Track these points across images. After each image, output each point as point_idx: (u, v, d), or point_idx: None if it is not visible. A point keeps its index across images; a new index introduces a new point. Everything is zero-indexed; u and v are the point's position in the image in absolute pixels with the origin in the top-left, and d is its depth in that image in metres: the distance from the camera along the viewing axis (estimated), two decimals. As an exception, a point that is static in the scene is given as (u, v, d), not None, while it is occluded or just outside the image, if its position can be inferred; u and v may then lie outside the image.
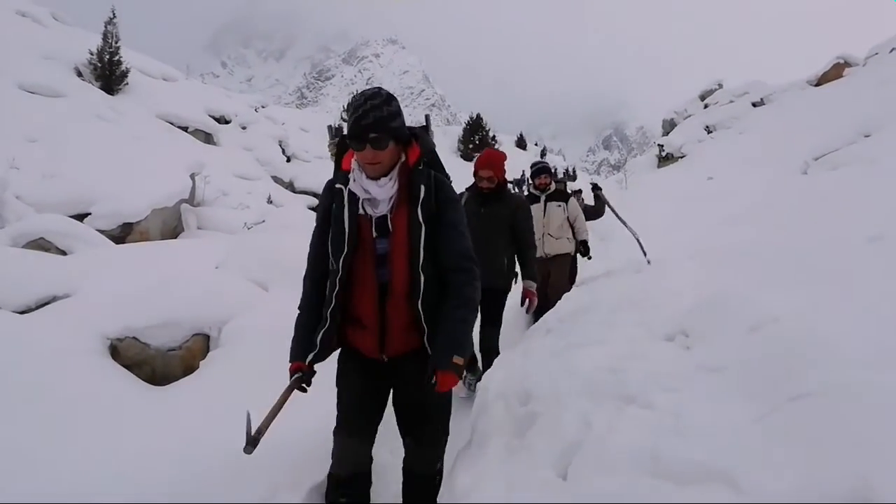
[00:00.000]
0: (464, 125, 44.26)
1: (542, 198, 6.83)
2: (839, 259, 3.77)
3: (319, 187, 17.27)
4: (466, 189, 5.01)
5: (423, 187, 2.39)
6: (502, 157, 4.98)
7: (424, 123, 2.93)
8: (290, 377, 2.47)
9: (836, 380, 2.12)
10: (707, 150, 20.88)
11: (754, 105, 23.99)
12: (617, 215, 7.96)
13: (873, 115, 10.46)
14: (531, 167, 7.17)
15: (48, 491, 2.60)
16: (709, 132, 23.97)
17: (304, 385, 2.49)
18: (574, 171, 48.21)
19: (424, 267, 2.40)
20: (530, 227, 5.06)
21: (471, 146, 39.92)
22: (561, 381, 3.08)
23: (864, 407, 1.91)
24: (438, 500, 2.72)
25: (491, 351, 4.88)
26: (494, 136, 43.27)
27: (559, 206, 6.77)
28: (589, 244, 7.13)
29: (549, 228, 6.69)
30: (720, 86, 29.22)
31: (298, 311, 2.61)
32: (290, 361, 2.52)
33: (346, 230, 2.38)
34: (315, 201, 20.03)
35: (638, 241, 7.37)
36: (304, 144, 28.98)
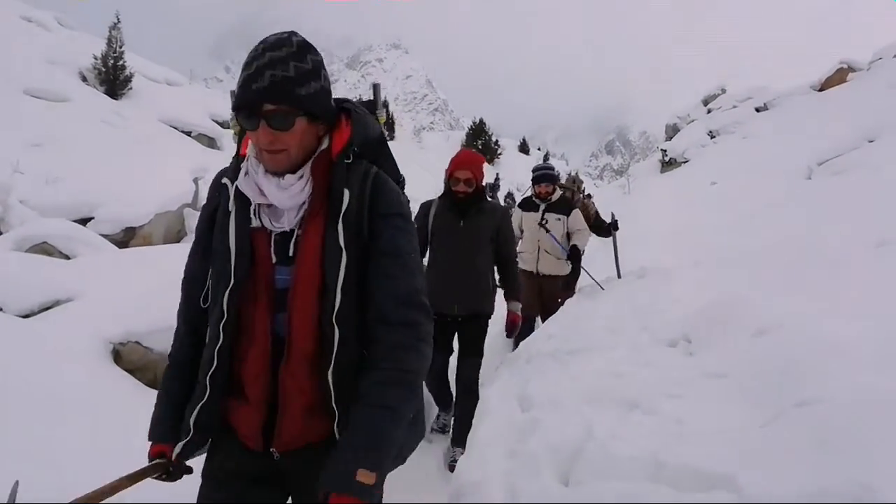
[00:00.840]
0: (467, 130, 44.34)
1: (542, 207, 5.98)
2: (844, 264, 3.75)
3: (322, 192, 17.20)
4: (438, 198, 4.10)
5: (346, 192, 1.51)
6: (481, 158, 4.18)
7: (374, 97, 1.99)
8: (149, 460, 1.68)
9: (841, 385, 2.11)
10: (710, 155, 20.85)
11: (758, 110, 23.95)
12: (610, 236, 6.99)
13: (878, 120, 10.44)
14: (533, 171, 6.26)
15: (49, 494, 2.60)
16: (712, 137, 23.93)
17: (165, 475, 1.69)
18: (577, 176, 48.11)
19: (342, 315, 1.48)
20: (514, 238, 4.37)
21: (474, 151, 40.00)
22: (563, 387, 3.08)
23: (869, 413, 1.90)
24: None
25: (470, 392, 3.96)
26: (497, 141, 43.30)
27: (559, 219, 5.90)
28: (581, 255, 6.03)
29: (546, 245, 5.90)
30: (723, 91, 29.18)
31: (167, 365, 1.75)
32: (149, 440, 1.71)
33: (232, 251, 1.54)
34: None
35: (616, 255, 6.70)
36: (307, 149, 28.97)
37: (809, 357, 2.41)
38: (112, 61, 21.43)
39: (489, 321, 4.11)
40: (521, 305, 4.16)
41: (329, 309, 1.48)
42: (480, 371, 4.08)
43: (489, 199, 4.17)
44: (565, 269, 5.94)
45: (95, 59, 21.20)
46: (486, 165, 4.46)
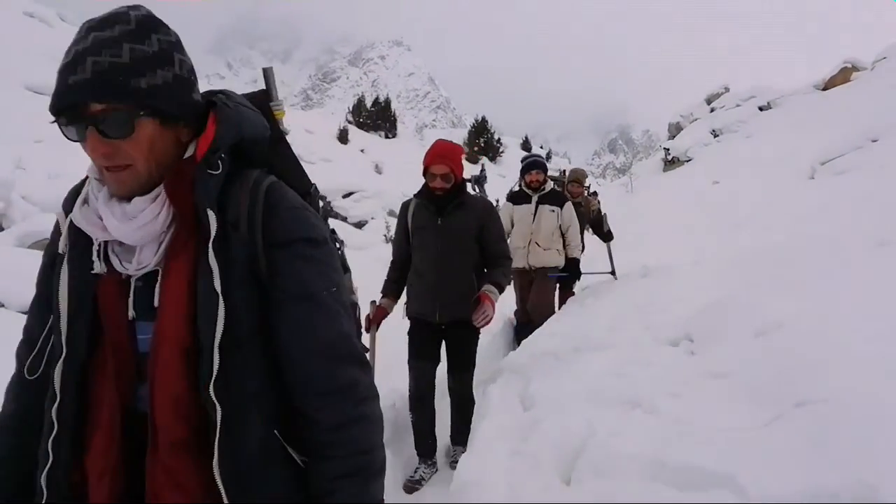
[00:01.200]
0: (469, 128, 44.31)
1: (535, 199, 5.59)
2: (846, 264, 3.75)
3: (325, 190, 17.32)
4: (414, 196, 3.70)
5: (211, 214, 1.08)
6: (459, 149, 3.69)
7: (266, 84, 1.42)
8: None
9: (842, 385, 2.11)
10: (713, 154, 20.84)
11: (761, 109, 23.95)
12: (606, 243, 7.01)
13: (881, 120, 10.41)
14: (522, 161, 5.97)
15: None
16: (715, 136, 23.92)
17: None
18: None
19: (222, 385, 1.05)
20: (503, 235, 3.76)
21: (476, 149, 39.93)
22: (565, 386, 3.08)
23: (870, 412, 1.89)
24: None
25: (465, 400, 3.72)
26: (499, 139, 43.27)
27: (552, 210, 5.53)
28: (579, 261, 5.81)
29: (538, 236, 5.51)
30: (726, 89, 29.16)
31: None
32: None
33: (63, 311, 1.12)
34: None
35: (609, 256, 6.88)
36: (309, 146, 29.04)
37: (811, 357, 2.41)
38: (114, 57, 21.46)
39: (479, 331, 3.61)
40: (497, 291, 3.50)
41: (204, 376, 1.05)
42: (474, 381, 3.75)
43: (473, 192, 3.82)
44: (557, 259, 5.59)
45: (98, 55, 21.25)
46: (465, 158, 3.96)
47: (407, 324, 3.70)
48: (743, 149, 17.83)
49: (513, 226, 5.62)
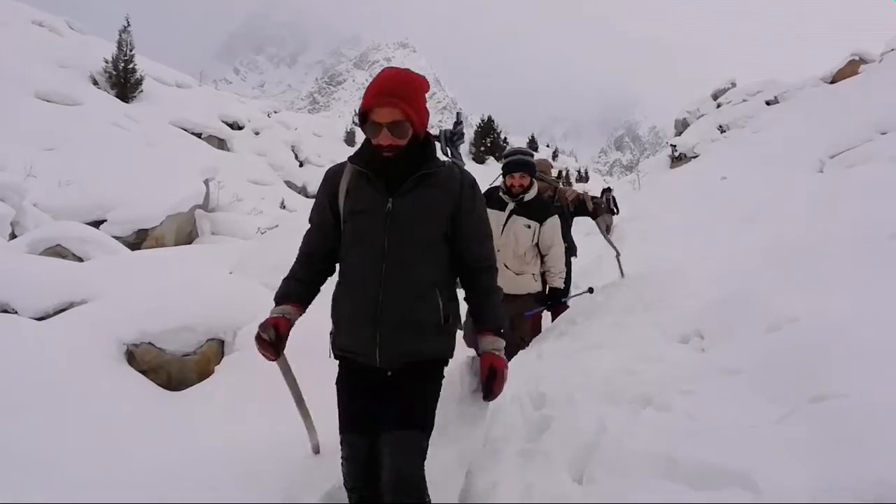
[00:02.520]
0: (475, 127, 44.29)
1: (510, 206, 4.36)
2: (858, 258, 3.72)
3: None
4: (349, 160, 2.23)
5: None
6: (420, 83, 2.15)
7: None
8: None
9: (857, 380, 2.10)
10: (720, 149, 20.73)
11: (768, 103, 23.77)
12: (606, 237, 5.86)
13: (890, 112, 10.32)
14: (504, 157, 4.63)
15: (64, 494, 2.63)
16: (722, 132, 23.78)
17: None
18: (586, 173, 47.95)
19: None
20: (489, 230, 2.32)
21: (482, 148, 39.89)
22: (575, 384, 3.07)
23: (885, 408, 1.88)
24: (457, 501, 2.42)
25: (406, 495, 1.94)
26: (506, 138, 43.23)
27: (528, 226, 4.31)
28: (567, 293, 4.94)
29: (507, 256, 4.27)
30: (733, 84, 28.98)
31: None
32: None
33: None
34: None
35: (618, 259, 5.91)
36: (316, 149, 29.21)
37: (824, 352, 2.39)
38: (122, 64, 21.64)
39: (443, 372, 2.24)
40: (502, 344, 2.20)
41: None
42: (427, 463, 2.04)
43: (445, 158, 2.43)
44: (532, 285, 4.44)
45: (106, 62, 21.41)
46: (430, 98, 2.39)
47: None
48: (750, 144, 17.72)
49: None
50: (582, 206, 5.62)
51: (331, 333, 2.22)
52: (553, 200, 5.37)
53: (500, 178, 4.61)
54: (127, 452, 3.07)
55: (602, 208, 5.67)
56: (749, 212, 8.43)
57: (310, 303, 2.26)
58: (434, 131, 2.30)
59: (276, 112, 33.53)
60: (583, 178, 42.53)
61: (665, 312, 4.05)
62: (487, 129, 42.21)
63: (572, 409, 2.72)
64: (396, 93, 2.02)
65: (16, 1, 23.57)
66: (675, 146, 25.55)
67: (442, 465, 2.23)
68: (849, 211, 5.44)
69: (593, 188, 10.95)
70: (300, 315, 2.22)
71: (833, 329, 2.60)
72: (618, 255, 5.87)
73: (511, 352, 4.09)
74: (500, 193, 4.46)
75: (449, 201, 2.16)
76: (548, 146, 56.93)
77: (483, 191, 4.06)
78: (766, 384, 2.43)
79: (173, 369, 4.21)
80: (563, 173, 34.05)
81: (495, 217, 4.13)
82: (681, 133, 27.61)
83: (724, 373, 2.72)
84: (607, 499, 1.97)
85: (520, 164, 4.38)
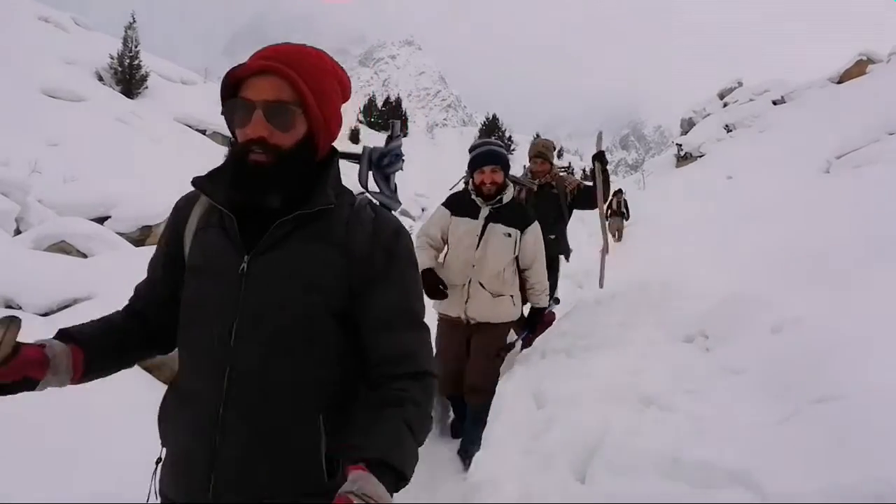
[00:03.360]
0: (480, 126, 44.28)
1: (484, 211, 3.58)
2: (863, 259, 3.70)
3: (336, 189, 17.36)
4: (194, 182, 1.31)
5: None
6: (333, 66, 1.31)
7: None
8: None
9: (860, 381, 2.09)
10: (726, 149, 20.68)
11: (775, 103, 23.72)
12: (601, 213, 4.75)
13: (897, 113, 10.29)
14: (471, 150, 3.77)
15: (66, 492, 2.63)
16: (728, 131, 23.75)
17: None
18: (592, 172, 47.80)
19: None
20: (418, 313, 1.35)
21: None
22: (578, 384, 3.06)
23: (889, 409, 1.87)
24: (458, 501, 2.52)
25: None
26: (511, 137, 43.20)
27: (508, 234, 3.56)
28: (554, 291, 4.28)
29: (482, 272, 3.56)
30: (740, 84, 28.93)
31: None
32: None
33: None
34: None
35: (602, 257, 5.04)
36: (321, 146, 29.22)
37: (828, 353, 2.38)
38: (128, 61, 21.74)
39: None
40: (385, 486, 1.07)
41: None
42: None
43: (361, 191, 1.48)
44: (510, 311, 3.71)
45: (111, 58, 21.50)
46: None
47: None
48: (757, 143, 17.68)
49: (447, 247, 3.73)
50: (584, 194, 4.67)
51: (157, 461, 1.34)
52: (552, 187, 4.68)
53: (461, 184, 3.89)
54: (129, 449, 3.08)
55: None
56: (754, 212, 8.40)
57: (102, 352, 1.33)
58: (356, 148, 1.52)
59: (280, 109, 33.62)
60: (588, 177, 42.45)
61: (669, 312, 4.04)
62: (492, 127, 42.21)
63: (575, 409, 2.72)
64: (290, 60, 1.20)
65: (22, -3, 23.66)
66: (680, 145, 25.53)
67: None
68: (855, 211, 5.41)
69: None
70: (70, 370, 1.29)
71: (836, 331, 2.59)
72: (604, 250, 4.87)
73: (486, 391, 3.54)
74: (471, 195, 3.63)
75: (346, 263, 1.26)
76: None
77: (446, 198, 3.78)
78: (770, 384, 2.42)
79: (176, 366, 4.22)
80: (570, 165, 33.95)
81: (468, 227, 3.57)
82: (687, 132, 27.58)
83: (729, 373, 2.71)
84: (611, 499, 1.96)
85: (490, 155, 3.56)
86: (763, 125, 20.97)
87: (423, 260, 3.57)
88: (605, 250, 4.76)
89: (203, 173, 1.31)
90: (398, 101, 39.41)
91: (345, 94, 1.34)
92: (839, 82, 21.68)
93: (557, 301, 4.66)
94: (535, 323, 3.95)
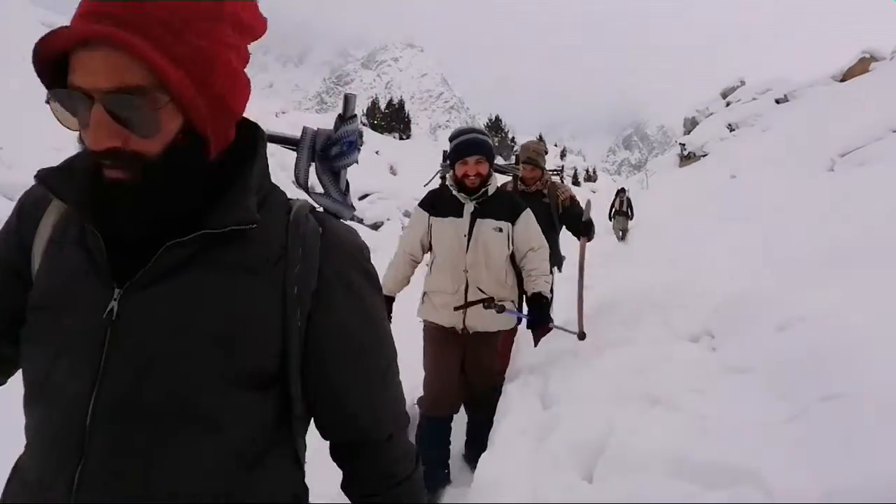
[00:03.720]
0: (483, 127, 44.42)
1: (469, 206, 3.22)
2: (869, 258, 3.69)
3: (340, 191, 17.44)
4: (37, 176, 0.89)
5: None
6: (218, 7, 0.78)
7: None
8: None
9: (867, 380, 2.08)
10: (730, 148, 20.65)
11: (778, 102, 23.69)
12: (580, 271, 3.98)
13: (901, 110, 10.25)
14: (451, 138, 3.29)
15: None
16: (731, 130, 23.74)
17: None
18: (595, 172, 47.87)
19: None
20: (396, 392, 1.00)
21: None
22: (584, 383, 3.06)
23: (897, 407, 1.87)
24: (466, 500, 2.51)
25: None
26: (514, 138, 43.23)
27: (499, 229, 3.21)
28: (551, 302, 3.55)
29: (479, 276, 3.22)
30: (742, 83, 28.92)
31: None
32: None
33: None
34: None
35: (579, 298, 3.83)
36: (325, 149, 29.22)
37: (834, 351, 2.38)
38: (131, 65, 21.83)
39: None
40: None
41: None
42: None
43: (300, 195, 1.03)
44: (511, 319, 3.39)
45: (115, 63, 21.60)
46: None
47: None
48: (760, 142, 17.65)
49: (431, 253, 3.40)
50: (572, 216, 4.22)
51: None
52: (543, 195, 4.30)
53: (438, 178, 3.57)
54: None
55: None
56: (758, 210, 8.39)
57: None
58: (289, 130, 1.16)
59: (283, 112, 33.68)
60: (591, 177, 42.41)
61: (674, 311, 4.04)
62: (495, 128, 42.28)
63: (581, 409, 2.71)
64: (133, 13, 0.72)
65: (26, 1, 23.80)
66: (683, 145, 25.53)
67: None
68: (860, 210, 5.40)
69: (602, 188, 10.94)
70: None
71: (842, 329, 2.58)
72: (580, 295, 3.88)
73: (490, 385, 3.47)
74: (454, 192, 3.23)
75: (279, 302, 0.85)
76: (555, 145, 56.90)
77: (422, 197, 3.38)
78: (776, 383, 2.42)
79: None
80: (562, 168, 33.92)
81: (454, 227, 3.21)
82: (690, 132, 27.59)
83: (735, 371, 2.71)
84: (617, 498, 1.96)
85: (473, 144, 3.14)
86: (766, 124, 20.94)
87: (390, 284, 3.32)
88: (580, 295, 3.86)
89: (54, 164, 0.89)
90: (401, 103, 39.42)
91: (252, 33, 0.88)
92: (842, 80, 21.64)
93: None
94: (539, 313, 3.33)
